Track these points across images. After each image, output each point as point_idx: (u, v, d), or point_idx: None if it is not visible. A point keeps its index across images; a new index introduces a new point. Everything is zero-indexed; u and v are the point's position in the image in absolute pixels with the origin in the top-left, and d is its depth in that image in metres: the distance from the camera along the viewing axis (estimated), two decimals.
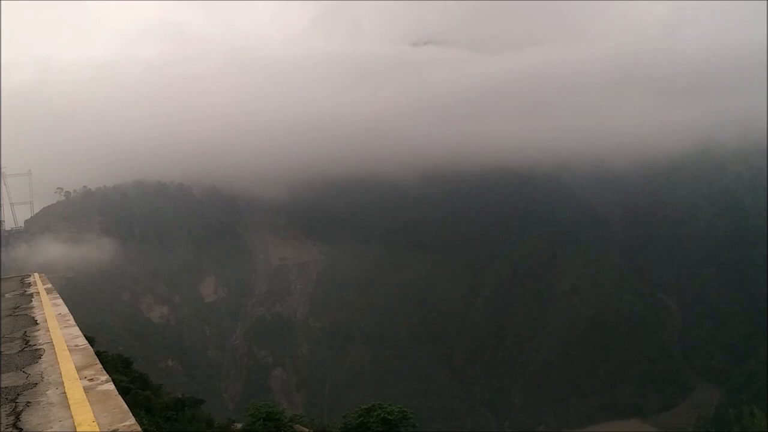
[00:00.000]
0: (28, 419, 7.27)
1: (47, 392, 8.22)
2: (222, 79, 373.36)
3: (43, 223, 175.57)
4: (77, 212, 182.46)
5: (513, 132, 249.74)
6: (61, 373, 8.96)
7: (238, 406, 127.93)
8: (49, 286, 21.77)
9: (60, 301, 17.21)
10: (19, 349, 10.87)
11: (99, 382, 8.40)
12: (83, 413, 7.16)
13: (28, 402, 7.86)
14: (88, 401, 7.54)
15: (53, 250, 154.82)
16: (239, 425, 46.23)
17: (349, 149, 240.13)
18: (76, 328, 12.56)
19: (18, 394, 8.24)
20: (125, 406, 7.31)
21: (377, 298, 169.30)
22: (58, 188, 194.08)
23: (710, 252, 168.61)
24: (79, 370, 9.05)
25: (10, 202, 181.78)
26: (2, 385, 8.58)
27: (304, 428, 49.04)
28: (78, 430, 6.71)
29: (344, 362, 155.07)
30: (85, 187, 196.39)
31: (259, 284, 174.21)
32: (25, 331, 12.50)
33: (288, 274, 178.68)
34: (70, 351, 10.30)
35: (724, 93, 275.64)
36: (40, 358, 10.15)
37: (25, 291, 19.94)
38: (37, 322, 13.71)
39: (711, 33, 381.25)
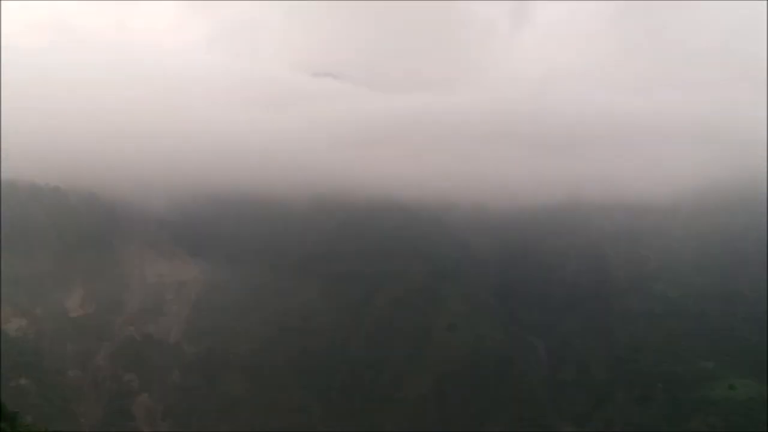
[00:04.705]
0: None
1: None
2: (110, 77, 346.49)
3: None
4: None
5: (401, 169, 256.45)
6: None
7: None
8: None
9: None
10: None
11: None
12: None
13: None
14: None
15: None
16: None
17: (238, 165, 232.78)
18: None
19: None
20: None
21: (257, 324, 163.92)
22: None
23: (575, 300, 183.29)
24: None
25: None
26: None
27: None
28: None
29: (217, 391, 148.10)
30: None
31: (132, 301, 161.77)
32: None
33: (164, 293, 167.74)
34: None
35: (590, 151, 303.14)
36: None
37: None
38: None
39: (580, 95, 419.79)
